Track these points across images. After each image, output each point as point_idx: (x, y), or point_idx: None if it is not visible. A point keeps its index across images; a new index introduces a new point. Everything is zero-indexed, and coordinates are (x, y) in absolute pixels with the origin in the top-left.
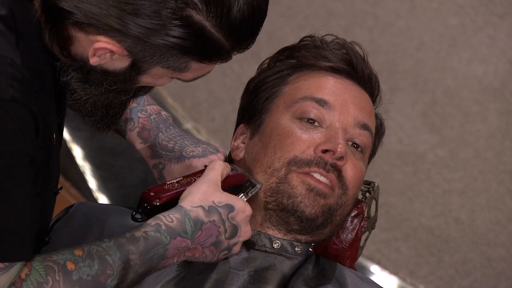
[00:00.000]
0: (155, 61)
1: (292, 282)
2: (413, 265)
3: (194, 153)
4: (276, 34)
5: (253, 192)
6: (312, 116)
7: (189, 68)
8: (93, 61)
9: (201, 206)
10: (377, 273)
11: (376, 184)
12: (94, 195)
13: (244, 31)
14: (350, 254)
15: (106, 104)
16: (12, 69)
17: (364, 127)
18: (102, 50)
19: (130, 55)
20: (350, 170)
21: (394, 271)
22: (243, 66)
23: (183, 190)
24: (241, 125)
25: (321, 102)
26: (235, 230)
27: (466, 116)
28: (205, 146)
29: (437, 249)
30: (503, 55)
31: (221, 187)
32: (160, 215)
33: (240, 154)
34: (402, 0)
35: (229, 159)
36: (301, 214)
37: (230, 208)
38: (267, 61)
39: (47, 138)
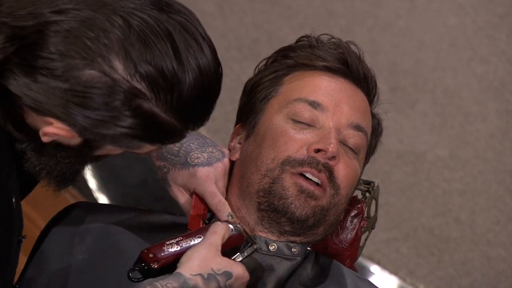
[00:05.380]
0: (107, 142)
1: (289, 283)
2: (413, 265)
3: (199, 160)
4: (276, 34)
5: (250, 252)
6: (305, 117)
7: (142, 147)
8: (44, 139)
9: (200, 275)
10: (377, 273)
11: (376, 184)
12: (94, 195)
13: (196, 112)
14: (350, 254)
15: (62, 173)
16: None
17: (358, 128)
18: (51, 134)
19: (80, 136)
20: (342, 170)
21: (394, 271)
22: (243, 66)
23: (183, 253)
24: (238, 126)
25: (314, 105)
26: None
27: (466, 116)
28: (211, 149)
29: (437, 249)
30: (503, 55)
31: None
32: (157, 283)
33: (236, 154)
34: (402, 0)
35: None
36: (292, 216)
37: (228, 275)
38: (264, 61)
39: (3, 201)
